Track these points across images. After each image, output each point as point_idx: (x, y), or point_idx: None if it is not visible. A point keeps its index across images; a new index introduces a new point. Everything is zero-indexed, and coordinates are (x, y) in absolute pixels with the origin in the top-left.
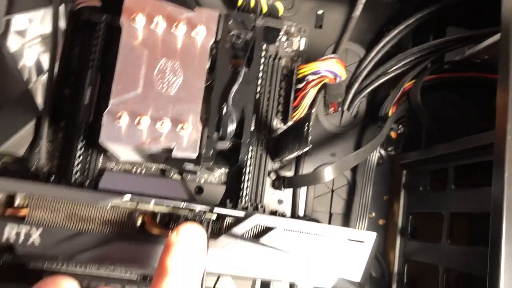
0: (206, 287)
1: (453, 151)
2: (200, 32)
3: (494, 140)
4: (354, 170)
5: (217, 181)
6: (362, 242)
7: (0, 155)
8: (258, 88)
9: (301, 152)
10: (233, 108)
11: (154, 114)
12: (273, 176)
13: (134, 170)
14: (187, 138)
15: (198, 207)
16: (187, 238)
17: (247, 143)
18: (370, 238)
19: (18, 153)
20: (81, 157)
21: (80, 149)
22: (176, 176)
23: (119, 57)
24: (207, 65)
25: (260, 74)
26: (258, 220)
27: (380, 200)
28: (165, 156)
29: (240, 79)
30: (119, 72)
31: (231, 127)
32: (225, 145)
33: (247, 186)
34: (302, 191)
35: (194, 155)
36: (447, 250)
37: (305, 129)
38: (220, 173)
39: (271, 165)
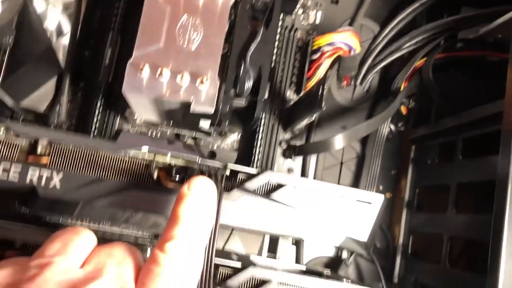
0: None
1: (462, 123)
2: None
3: (504, 108)
4: (363, 143)
5: (229, 147)
6: (370, 203)
7: (22, 110)
8: (274, 57)
9: (315, 115)
10: (250, 66)
11: (174, 67)
12: (284, 145)
13: (149, 133)
14: (205, 93)
15: (213, 163)
16: (198, 190)
17: (263, 101)
18: (377, 199)
19: (40, 109)
20: (99, 117)
21: (99, 108)
22: (190, 141)
23: (144, 12)
24: (227, 23)
25: (276, 44)
26: (269, 177)
27: (388, 174)
28: (183, 112)
29: (258, 38)
30: (142, 26)
31: (248, 84)
32: (241, 102)
33: (259, 152)
34: (312, 161)
35: (211, 110)
36: (453, 219)
37: (319, 91)
38: (233, 139)
39: (282, 135)
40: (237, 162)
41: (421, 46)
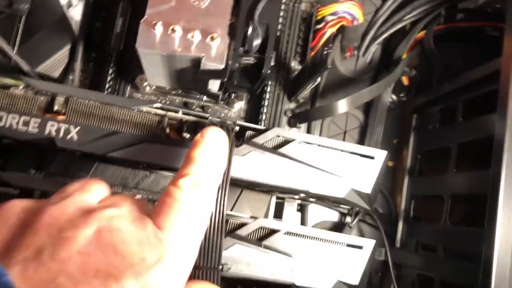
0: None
1: (460, 86)
2: None
3: (501, 64)
4: (366, 112)
5: (236, 116)
6: (373, 158)
7: (38, 76)
8: (279, 27)
9: (321, 76)
10: (258, 24)
11: (186, 25)
12: (289, 114)
13: (159, 100)
14: (216, 49)
15: (223, 118)
16: (211, 137)
17: (270, 57)
18: (381, 154)
19: (54, 75)
20: (110, 85)
21: (110, 74)
22: (198, 110)
23: None
24: None
25: (281, 13)
26: (277, 132)
27: (390, 143)
28: (193, 71)
29: None
30: None
31: (256, 42)
32: (250, 60)
33: (264, 119)
34: (316, 131)
35: (221, 66)
36: (454, 179)
37: (325, 51)
38: (239, 108)
39: (287, 104)
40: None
41: (422, 17)
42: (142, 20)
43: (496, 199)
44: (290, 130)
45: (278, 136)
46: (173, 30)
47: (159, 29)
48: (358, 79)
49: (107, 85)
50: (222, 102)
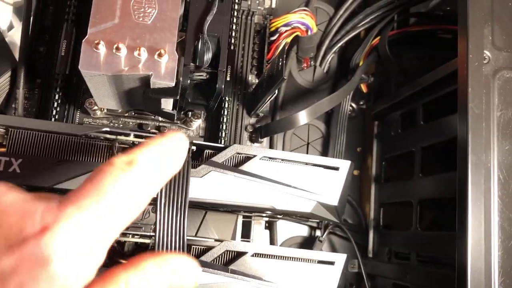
0: None
1: (419, 89)
2: None
3: (458, 66)
4: (327, 123)
5: (195, 136)
6: (338, 169)
7: None
8: (233, 41)
9: (278, 87)
10: (208, 37)
11: (131, 42)
12: (250, 129)
13: (111, 125)
14: (164, 66)
15: None
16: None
17: (224, 71)
18: (345, 165)
19: None
20: (58, 112)
21: (57, 100)
22: (154, 131)
23: None
24: None
25: (234, 27)
26: (237, 149)
27: (354, 152)
28: (143, 91)
29: (214, 9)
30: (96, 3)
31: (207, 56)
32: (202, 75)
33: (225, 141)
34: (279, 144)
35: (171, 84)
36: (420, 183)
37: (280, 62)
38: (198, 126)
39: (247, 120)
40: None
41: (376, 23)
42: (84, 39)
43: (465, 202)
44: (251, 146)
45: (239, 154)
46: (117, 49)
47: (102, 48)
48: (317, 89)
49: (54, 112)
50: (178, 122)
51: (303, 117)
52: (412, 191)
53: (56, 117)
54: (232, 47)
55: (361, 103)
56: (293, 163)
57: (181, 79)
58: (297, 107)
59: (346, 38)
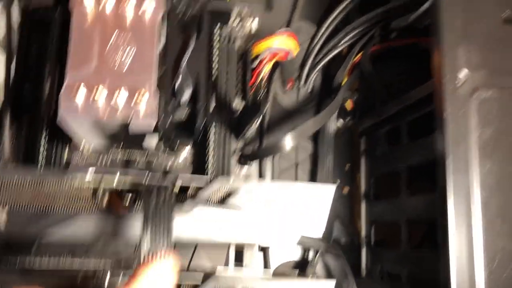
0: None
1: (402, 107)
2: (149, 5)
3: (434, 88)
4: (315, 141)
5: (183, 164)
6: (322, 195)
7: None
8: (216, 66)
9: (259, 120)
10: (187, 75)
11: (110, 86)
12: (237, 155)
13: (99, 161)
14: (145, 107)
15: (160, 180)
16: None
17: (204, 108)
18: (329, 190)
19: None
20: (46, 151)
21: (44, 139)
22: (142, 165)
23: (72, 36)
24: (158, 37)
25: (215, 58)
26: (222, 182)
27: (343, 169)
28: (126, 130)
29: (191, 47)
30: (73, 48)
31: (187, 93)
32: (183, 112)
33: (213, 167)
34: (268, 166)
35: (152, 123)
36: (407, 203)
37: (259, 97)
38: (185, 155)
39: (235, 144)
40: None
41: (357, 39)
42: (63, 86)
43: (446, 223)
44: (236, 178)
45: (223, 187)
46: (96, 94)
47: (81, 94)
48: (302, 109)
49: (42, 152)
50: (166, 151)
51: (288, 141)
52: (399, 211)
53: (44, 159)
54: (214, 77)
55: (347, 120)
56: (277, 193)
57: (162, 118)
58: (283, 129)
59: (328, 57)
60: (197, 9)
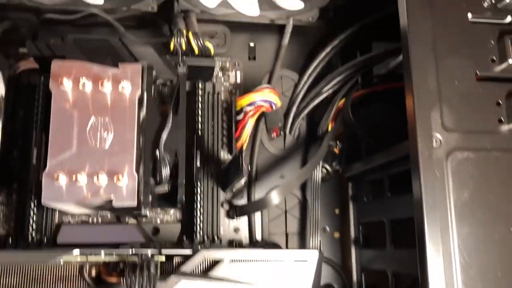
0: None
1: (386, 161)
2: (125, 86)
3: (410, 151)
4: (303, 188)
5: (173, 219)
6: (306, 261)
7: None
8: (200, 124)
9: (241, 180)
10: (165, 153)
11: (91, 169)
12: (226, 206)
13: (90, 220)
14: (125, 188)
15: (146, 251)
16: None
17: (183, 184)
18: (312, 256)
19: None
20: (36, 216)
21: (34, 207)
22: (132, 220)
23: (52, 120)
24: (137, 118)
25: (200, 112)
26: (204, 255)
27: (333, 214)
28: (108, 208)
29: (169, 125)
30: (53, 135)
31: (166, 172)
32: (164, 188)
33: (201, 220)
34: (257, 216)
35: (133, 204)
36: (392, 254)
37: (240, 161)
38: (175, 210)
39: (223, 195)
40: (182, 232)
41: (340, 86)
42: (43, 173)
43: (426, 280)
44: (218, 249)
45: (207, 259)
46: (77, 178)
47: (63, 179)
48: (290, 156)
49: (32, 219)
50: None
51: (275, 196)
52: (386, 261)
53: (36, 224)
54: (200, 133)
55: (334, 164)
56: (261, 261)
57: (142, 198)
58: (272, 176)
59: (312, 105)
60: (176, 81)
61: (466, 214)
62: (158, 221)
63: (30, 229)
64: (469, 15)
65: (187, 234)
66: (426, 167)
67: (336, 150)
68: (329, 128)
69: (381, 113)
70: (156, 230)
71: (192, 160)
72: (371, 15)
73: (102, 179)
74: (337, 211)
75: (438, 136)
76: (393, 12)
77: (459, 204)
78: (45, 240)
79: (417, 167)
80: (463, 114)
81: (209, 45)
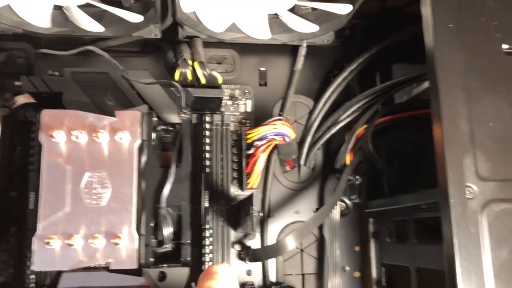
0: None
1: (411, 205)
2: (123, 136)
3: (440, 204)
4: (320, 226)
5: (184, 258)
6: None
7: None
8: (207, 161)
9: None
10: (168, 209)
11: (86, 230)
12: (237, 247)
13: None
14: (124, 250)
15: None
16: None
17: (188, 244)
18: None
19: None
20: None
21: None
22: None
23: (42, 177)
24: (136, 169)
25: (208, 147)
26: None
27: (352, 251)
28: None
29: (171, 179)
30: (44, 193)
31: (168, 230)
32: (167, 247)
33: (209, 253)
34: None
35: (133, 267)
36: None
37: (250, 213)
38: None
39: (234, 234)
40: (191, 277)
41: (358, 115)
42: (34, 237)
43: None
44: None
45: None
46: (72, 241)
47: (56, 243)
48: (305, 189)
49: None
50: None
51: (290, 242)
52: None
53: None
54: (207, 169)
55: (353, 197)
56: None
57: (142, 261)
58: (287, 212)
59: (329, 134)
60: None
61: (505, 275)
62: (161, 264)
63: (29, 277)
64: (504, 46)
65: (196, 279)
66: (459, 222)
67: (356, 184)
68: (348, 161)
69: (403, 142)
70: (163, 275)
71: (199, 197)
72: (391, 36)
73: (99, 242)
74: (357, 248)
75: (472, 186)
76: (415, 34)
77: (497, 264)
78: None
79: (449, 223)
80: (500, 161)
81: (217, 74)
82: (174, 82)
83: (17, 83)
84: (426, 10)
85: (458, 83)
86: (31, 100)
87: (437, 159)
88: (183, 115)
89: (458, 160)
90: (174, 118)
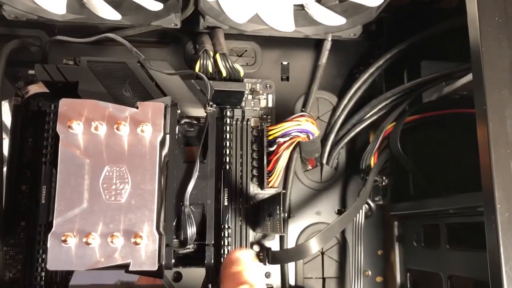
0: None
1: (443, 209)
2: (145, 129)
3: (484, 213)
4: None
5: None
6: None
7: None
8: (227, 157)
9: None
10: (191, 208)
11: (104, 228)
12: (256, 248)
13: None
14: (144, 251)
15: None
16: None
17: (212, 245)
18: None
19: None
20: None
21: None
22: None
23: (59, 170)
24: (158, 164)
25: (228, 143)
26: None
27: (375, 255)
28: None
29: (195, 175)
30: (60, 187)
31: (191, 230)
32: (189, 249)
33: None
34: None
35: (153, 268)
36: None
37: (277, 214)
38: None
39: (253, 235)
40: (207, 277)
41: (384, 113)
42: (49, 234)
43: None
44: None
45: None
46: (89, 240)
47: (72, 241)
48: (327, 189)
49: (41, 252)
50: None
51: (314, 245)
52: None
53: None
54: (227, 166)
55: (377, 199)
56: None
57: (163, 262)
58: (307, 213)
59: (353, 132)
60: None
61: None
62: (180, 265)
63: (38, 274)
64: None
65: (213, 281)
66: (505, 230)
67: (381, 185)
68: (373, 161)
69: (432, 140)
70: (178, 275)
71: (218, 195)
72: (420, 32)
73: (118, 240)
74: (380, 252)
75: None
76: (445, 30)
77: None
78: (56, 284)
79: (494, 230)
80: None
81: (239, 67)
82: (200, 74)
83: (30, 71)
84: (471, 3)
85: (506, 81)
86: (45, 90)
87: (482, 162)
88: (210, 108)
89: (505, 163)
90: (194, 112)
